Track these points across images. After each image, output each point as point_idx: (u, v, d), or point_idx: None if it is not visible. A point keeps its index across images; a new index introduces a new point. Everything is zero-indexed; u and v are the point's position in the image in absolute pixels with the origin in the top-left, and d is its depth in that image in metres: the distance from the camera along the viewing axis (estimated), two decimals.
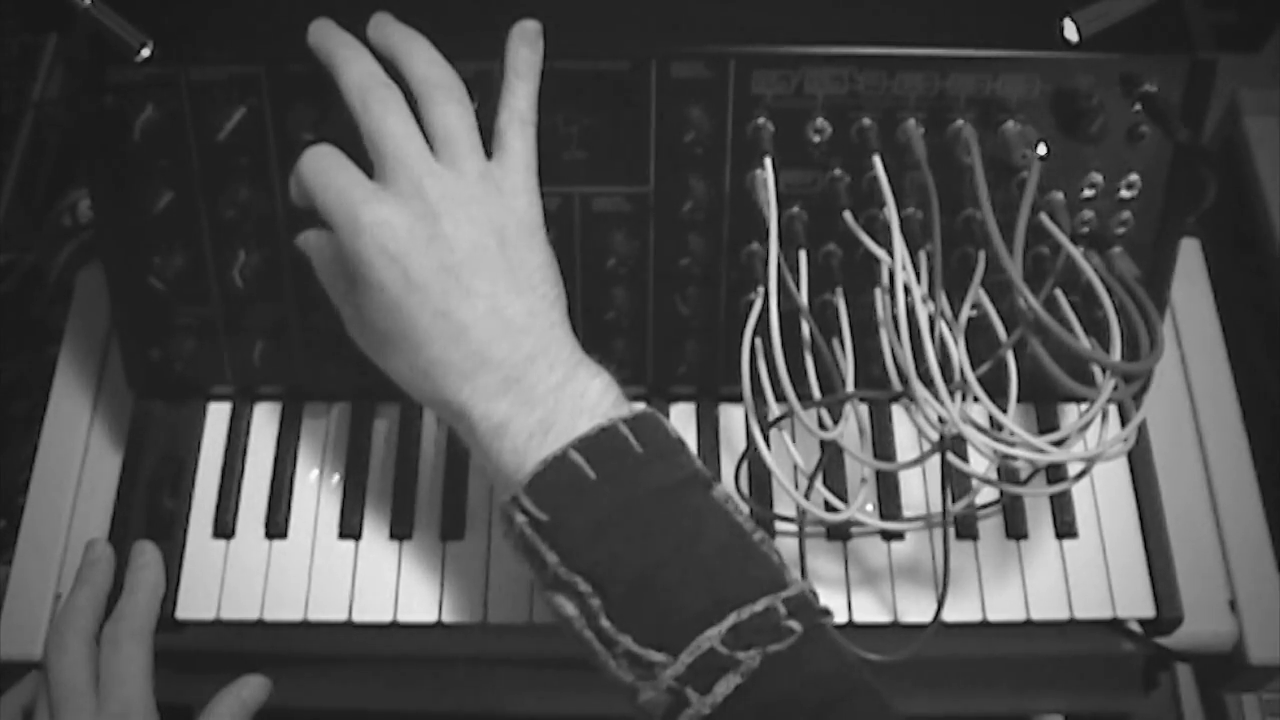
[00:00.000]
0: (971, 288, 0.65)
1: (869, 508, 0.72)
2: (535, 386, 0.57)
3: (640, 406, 0.59)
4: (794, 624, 0.53)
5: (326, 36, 0.62)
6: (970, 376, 0.62)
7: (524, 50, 0.63)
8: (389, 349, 0.60)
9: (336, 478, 0.74)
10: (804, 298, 0.66)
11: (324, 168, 0.60)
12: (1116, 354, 0.63)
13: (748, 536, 0.57)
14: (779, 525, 0.72)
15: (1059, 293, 0.67)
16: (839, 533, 0.72)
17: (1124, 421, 0.65)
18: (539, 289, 0.60)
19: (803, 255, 0.67)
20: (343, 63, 0.61)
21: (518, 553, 0.57)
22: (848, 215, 0.67)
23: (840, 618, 0.70)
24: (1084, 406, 0.63)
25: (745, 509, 0.72)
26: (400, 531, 0.72)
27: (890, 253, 0.64)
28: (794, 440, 0.69)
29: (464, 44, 0.65)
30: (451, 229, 0.58)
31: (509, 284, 0.59)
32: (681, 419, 0.76)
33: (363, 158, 0.60)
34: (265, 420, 0.76)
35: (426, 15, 0.65)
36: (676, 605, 0.53)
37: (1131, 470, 0.74)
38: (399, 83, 0.61)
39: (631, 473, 0.56)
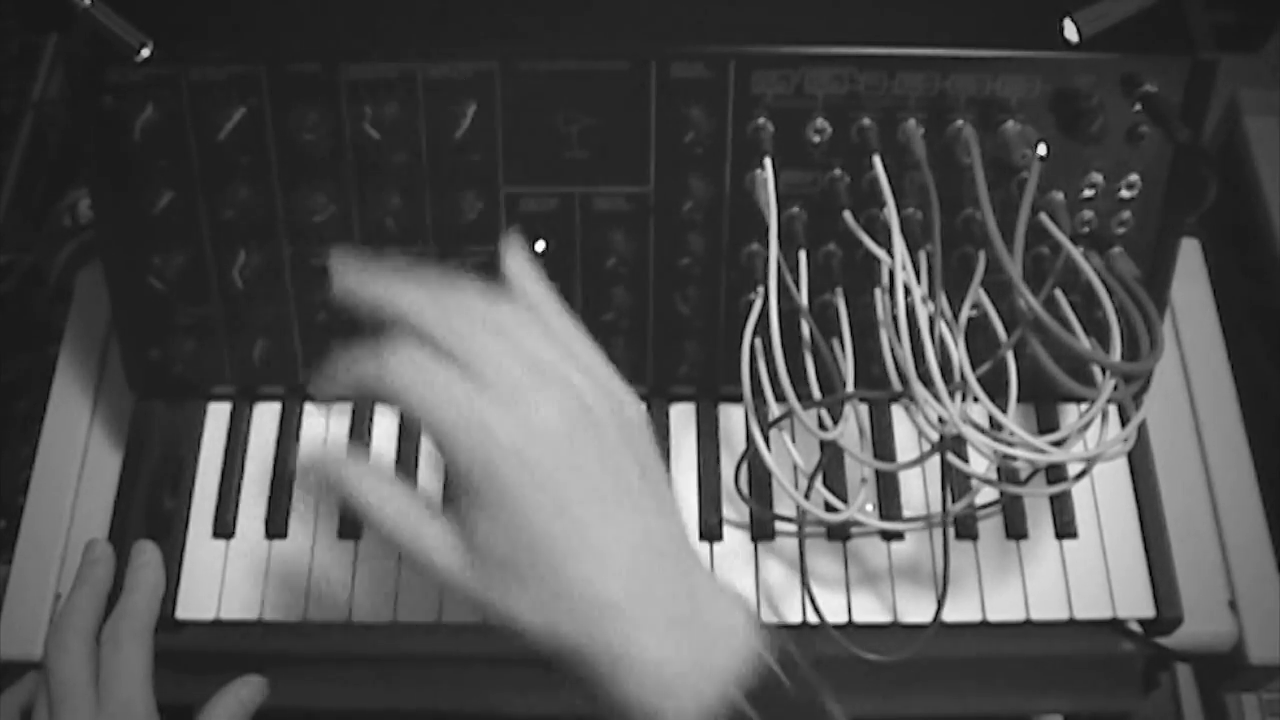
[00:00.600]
0: (971, 288, 0.65)
1: (869, 508, 0.72)
2: (691, 622, 0.51)
3: (767, 634, 0.53)
4: None
5: (365, 281, 0.53)
6: (970, 376, 0.62)
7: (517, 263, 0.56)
8: (513, 578, 0.51)
9: None
10: (804, 298, 0.66)
11: (427, 373, 0.51)
12: (1116, 354, 0.63)
13: None
14: (779, 525, 0.72)
15: (1059, 293, 0.67)
16: (839, 533, 0.72)
17: (1124, 421, 0.65)
18: (675, 514, 0.54)
19: (803, 255, 0.67)
20: (400, 295, 0.52)
21: None
22: (848, 215, 0.67)
23: (840, 618, 0.70)
24: (1084, 406, 0.63)
25: (747, 510, 0.72)
26: None
27: (890, 253, 0.64)
28: (794, 440, 0.69)
29: (464, 44, 0.65)
30: (581, 437, 0.51)
31: (655, 507, 0.53)
32: (681, 419, 0.76)
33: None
34: (265, 420, 0.76)
35: (429, 14, 0.65)
36: None
37: (1131, 470, 0.74)
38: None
39: (788, 714, 0.50)
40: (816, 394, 0.66)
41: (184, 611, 0.70)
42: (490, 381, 0.50)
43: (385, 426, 0.76)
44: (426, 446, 0.75)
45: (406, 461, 0.74)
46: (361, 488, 0.53)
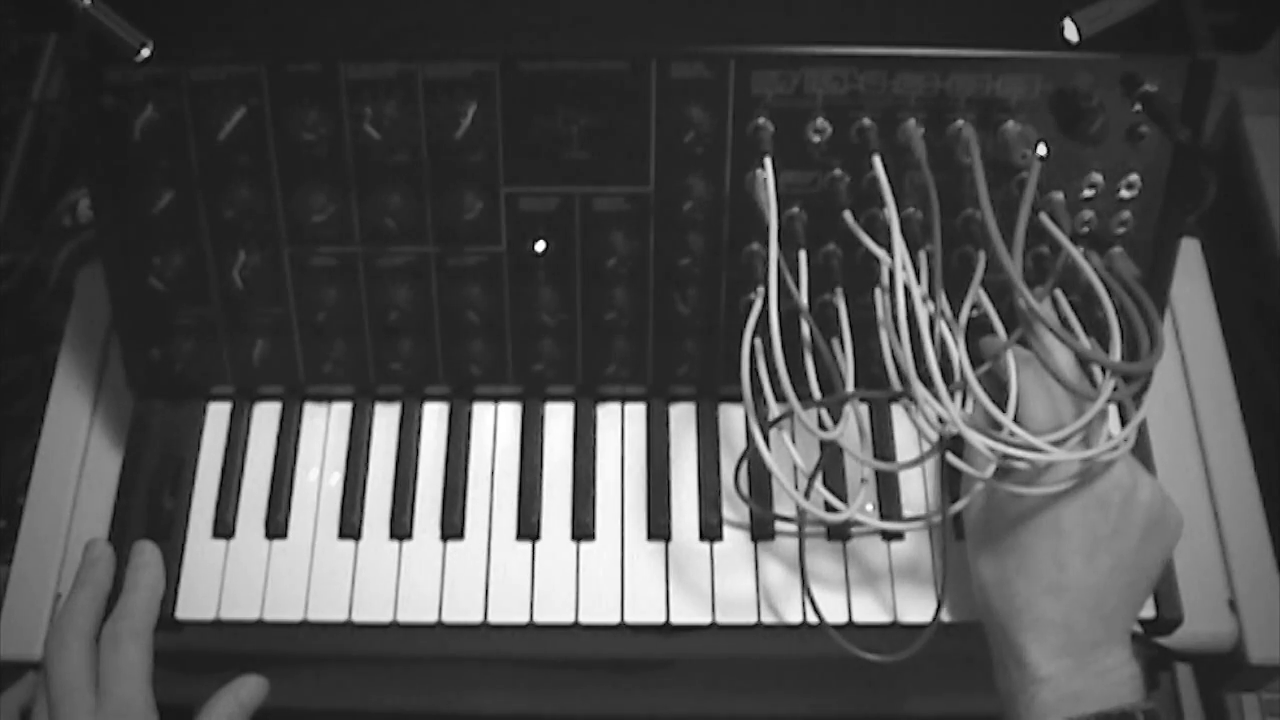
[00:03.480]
0: (971, 288, 0.65)
1: (869, 508, 0.72)
2: (1089, 666, 0.61)
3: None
4: None
5: None
6: (970, 376, 0.62)
7: None
8: (991, 549, 0.64)
9: (336, 477, 0.74)
10: (804, 298, 0.66)
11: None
12: (1116, 354, 0.63)
13: None
14: (779, 525, 0.72)
15: (1059, 293, 0.67)
16: (839, 533, 0.72)
17: (1124, 421, 0.65)
18: (1138, 595, 0.64)
19: (803, 255, 0.67)
20: None
21: None
22: (848, 215, 0.67)
23: (840, 618, 0.70)
24: (1084, 406, 0.63)
25: (747, 510, 0.72)
26: (400, 531, 0.72)
27: (890, 253, 0.64)
28: (794, 440, 0.69)
29: (464, 44, 0.65)
30: (1114, 506, 0.62)
31: (1125, 579, 0.62)
32: (681, 419, 0.76)
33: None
34: (265, 420, 0.76)
35: (429, 14, 0.65)
36: None
37: None
38: None
39: None
40: (816, 394, 0.66)
41: (184, 611, 0.70)
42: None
43: (385, 425, 0.76)
44: (427, 447, 0.75)
45: (406, 459, 0.74)
46: None
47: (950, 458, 0.63)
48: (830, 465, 0.72)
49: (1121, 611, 0.63)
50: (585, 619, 0.70)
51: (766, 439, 0.66)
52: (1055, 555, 0.62)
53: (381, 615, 0.70)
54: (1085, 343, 0.65)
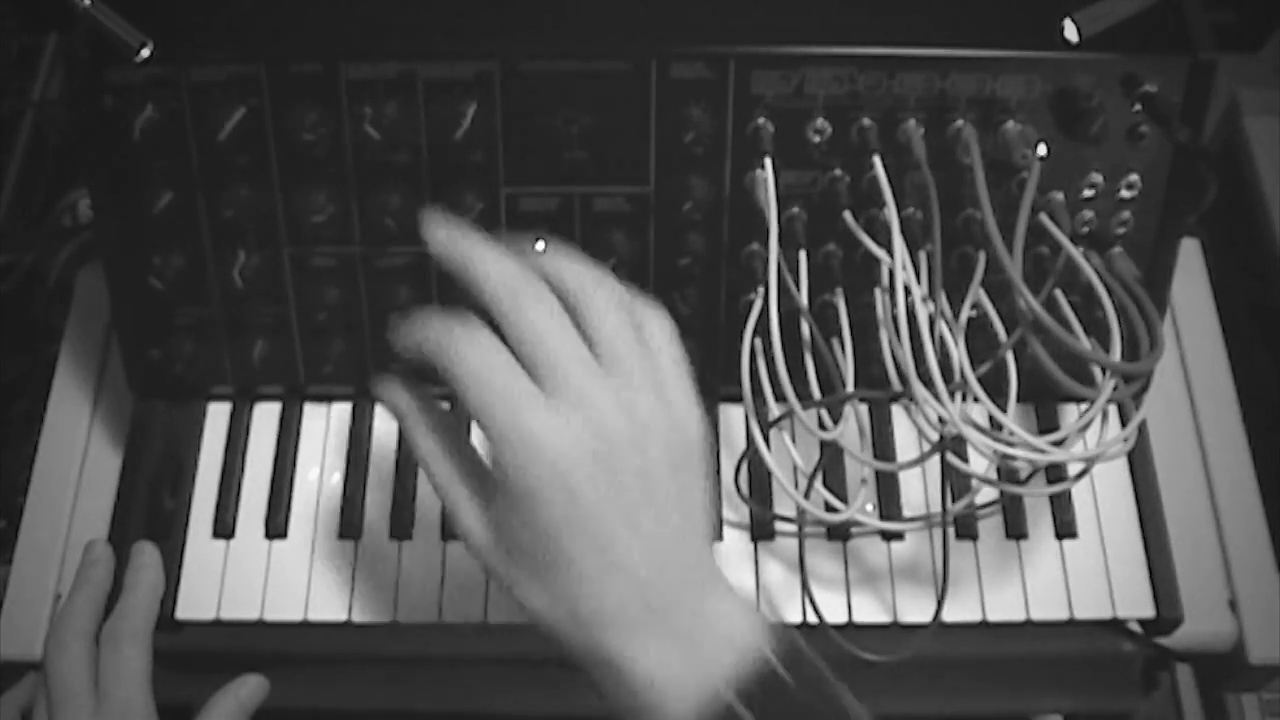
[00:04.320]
0: (971, 288, 0.65)
1: (869, 508, 0.72)
2: (690, 635, 0.52)
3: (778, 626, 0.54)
4: None
5: (454, 240, 0.55)
6: (970, 376, 0.62)
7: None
8: (528, 574, 0.53)
9: (336, 478, 0.74)
10: (804, 298, 0.66)
11: (488, 363, 0.52)
12: (1116, 354, 0.63)
13: None
14: (779, 525, 0.72)
15: (1059, 293, 0.67)
16: (839, 533, 0.72)
17: (1124, 421, 0.65)
18: (700, 527, 0.55)
19: (803, 255, 0.67)
20: (482, 263, 0.53)
21: None
22: (848, 215, 0.67)
23: (840, 618, 0.70)
24: (1084, 406, 0.63)
25: (747, 510, 0.72)
26: (400, 531, 0.72)
27: (890, 253, 0.64)
28: (794, 440, 0.69)
29: (464, 44, 0.65)
30: (625, 454, 0.52)
31: (678, 523, 0.53)
32: None
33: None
34: (265, 420, 0.76)
35: (429, 14, 0.65)
36: None
37: (1131, 470, 0.74)
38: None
39: (792, 713, 0.51)
40: (816, 394, 0.66)
41: (184, 611, 0.70)
42: (550, 388, 0.51)
43: (385, 425, 0.76)
44: None
45: (406, 459, 0.74)
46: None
47: (950, 458, 0.63)
48: (830, 465, 0.72)
49: (697, 555, 0.54)
50: None
51: (766, 439, 0.66)
52: (596, 545, 0.51)
53: (381, 615, 0.70)
54: (1085, 343, 0.65)
